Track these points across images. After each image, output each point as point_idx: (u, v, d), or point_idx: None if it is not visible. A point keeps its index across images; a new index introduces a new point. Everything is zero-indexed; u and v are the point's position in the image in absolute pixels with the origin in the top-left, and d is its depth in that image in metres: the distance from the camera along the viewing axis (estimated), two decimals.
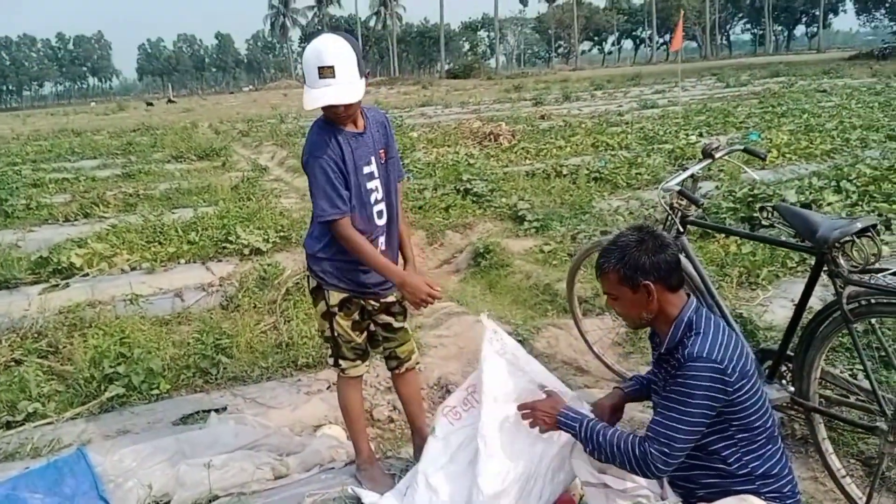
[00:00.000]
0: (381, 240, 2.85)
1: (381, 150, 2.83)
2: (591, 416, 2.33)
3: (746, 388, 2.13)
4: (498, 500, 2.43)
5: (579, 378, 4.11)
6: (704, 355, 2.08)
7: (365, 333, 2.99)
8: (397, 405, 3.84)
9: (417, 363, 3.15)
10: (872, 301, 2.69)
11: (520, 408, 2.42)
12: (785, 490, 2.23)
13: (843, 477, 2.92)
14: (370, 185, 2.77)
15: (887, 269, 2.72)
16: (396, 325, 2.99)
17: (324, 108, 2.64)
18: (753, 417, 2.17)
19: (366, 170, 2.75)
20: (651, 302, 2.22)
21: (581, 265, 4.29)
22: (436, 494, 2.59)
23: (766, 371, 3.10)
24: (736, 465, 2.19)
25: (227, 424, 3.51)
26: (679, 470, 2.19)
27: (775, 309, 4.51)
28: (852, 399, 3.09)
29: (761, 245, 5.56)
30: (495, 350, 2.60)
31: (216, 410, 3.70)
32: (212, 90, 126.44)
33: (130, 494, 3.00)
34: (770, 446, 2.22)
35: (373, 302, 2.90)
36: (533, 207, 7.67)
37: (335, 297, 2.84)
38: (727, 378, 2.07)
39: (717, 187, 7.63)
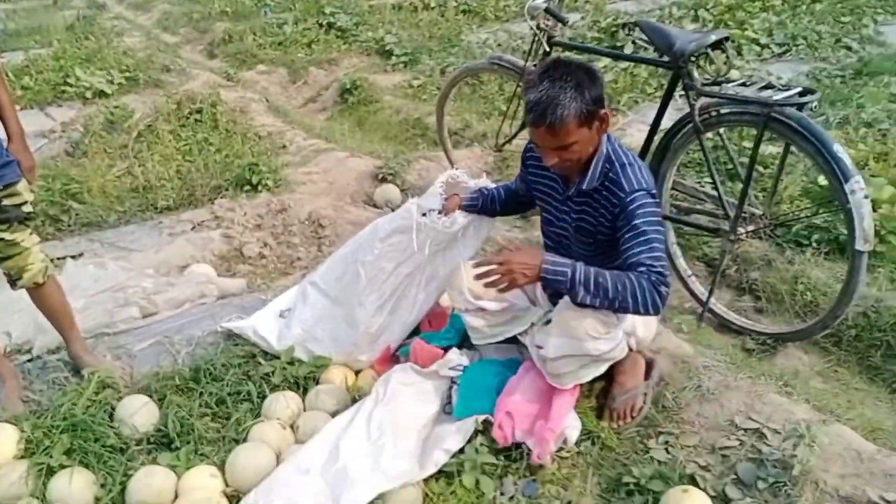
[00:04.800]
0: None
1: None
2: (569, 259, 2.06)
3: None
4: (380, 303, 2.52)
5: None
6: (644, 185, 2.08)
7: None
8: (269, 242, 3.78)
9: (45, 275, 2.47)
10: (721, 111, 2.82)
11: (490, 261, 2.07)
12: None
13: (689, 277, 3.19)
14: None
15: (736, 80, 2.85)
16: None
17: None
18: None
19: None
20: (603, 129, 2.08)
21: (449, 96, 4.23)
22: (327, 298, 2.63)
23: None
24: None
25: (86, 269, 3.32)
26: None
27: (633, 133, 4.69)
28: (700, 207, 3.31)
29: (622, 72, 5.69)
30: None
31: (72, 257, 3.48)
32: None
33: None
34: None
35: None
36: (401, 41, 7.39)
37: None
38: (657, 199, 2.12)
39: (582, 18, 7.62)
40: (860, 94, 4.84)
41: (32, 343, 2.81)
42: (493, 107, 5.43)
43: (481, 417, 2.21)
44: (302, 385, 2.55)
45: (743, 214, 2.82)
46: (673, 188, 3.20)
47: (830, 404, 2.35)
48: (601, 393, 2.41)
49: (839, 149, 2.52)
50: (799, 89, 2.64)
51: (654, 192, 2.10)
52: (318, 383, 2.55)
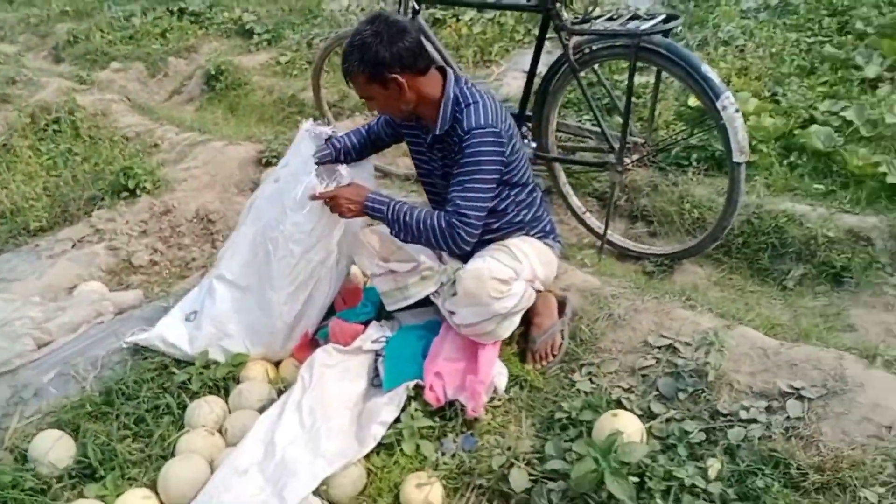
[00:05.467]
0: None
1: None
2: (397, 198, 2.26)
3: (516, 147, 2.25)
4: (292, 289, 2.45)
5: None
6: (483, 123, 2.11)
7: None
8: (158, 247, 3.61)
9: None
10: (594, 48, 2.89)
11: (321, 196, 2.26)
12: (547, 228, 2.50)
13: (584, 213, 3.30)
14: None
15: (603, 16, 2.92)
16: None
17: None
18: (521, 172, 2.33)
19: None
20: (405, 93, 2.14)
21: (323, 68, 4.13)
22: (236, 289, 2.55)
23: None
24: (511, 216, 2.36)
25: None
26: None
27: (510, 81, 4.75)
28: (586, 144, 3.41)
29: (491, 23, 5.71)
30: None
31: None
32: None
33: None
34: (534, 194, 2.44)
35: None
36: (260, 19, 7.14)
37: None
38: (503, 140, 2.14)
39: None
40: (714, 14, 5.07)
41: None
42: None
43: (412, 383, 2.22)
44: (222, 387, 2.47)
45: (627, 145, 2.92)
46: (558, 130, 3.27)
47: (731, 310, 2.49)
48: (521, 337, 2.47)
49: (707, 69, 2.63)
50: (663, 16, 2.73)
51: (495, 129, 2.12)
52: (238, 382, 2.48)
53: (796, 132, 3.44)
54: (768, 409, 1.97)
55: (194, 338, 2.58)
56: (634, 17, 2.80)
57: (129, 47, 6.92)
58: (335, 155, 2.51)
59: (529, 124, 3.26)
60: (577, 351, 2.38)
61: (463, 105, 2.17)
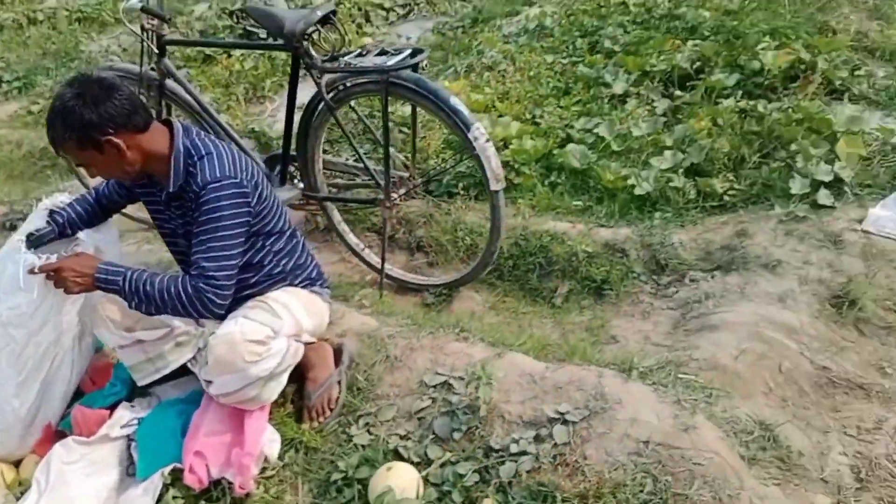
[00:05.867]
0: None
1: None
2: (134, 267, 2.02)
3: (264, 196, 2.10)
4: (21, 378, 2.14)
5: None
6: (219, 175, 1.95)
7: None
8: None
9: None
10: (347, 85, 2.84)
11: (42, 270, 2.00)
12: (313, 275, 2.38)
13: (363, 250, 3.23)
14: None
15: (353, 52, 2.87)
16: None
17: None
18: (275, 219, 2.18)
19: None
20: (124, 154, 1.94)
21: None
22: None
23: (279, 175, 3.14)
24: (270, 268, 2.22)
25: None
26: None
27: (283, 117, 4.59)
28: (356, 181, 3.35)
29: (263, 57, 5.54)
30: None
31: None
32: None
33: None
34: (293, 240, 2.30)
35: None
36: (9, 65, 6.46)
37: None
38: (246, 189, 1.99)
39: (209, 6, 7.27)
40: (478, 40, 5.26)
41: None
42: None
43: (168, 469, 2.00)
44: None
45: (392, 179, 2.89)
46: (325, 168, 3.18)
47: (504, 336, 2.52)
48: (296, 394, 2.34)
49: (455, 101, 2.66)
50: (409, 51, 2.73)
51: (234, 179, 1.99)
52: None
53: (555, 152, 3.61)
54: (537, 439, 1.98)
55: None
56: (382, 53, 2.78)
57: None
58: (59, 230, 2.23)
59: (295, 164, 3.14)
60: (353, 402, 2.28)
61: (196, 158, 2.00)
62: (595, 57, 4.63)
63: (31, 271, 2.00)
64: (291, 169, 3.16)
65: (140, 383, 2.22)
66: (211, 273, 1.93)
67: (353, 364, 2.40)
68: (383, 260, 3.04)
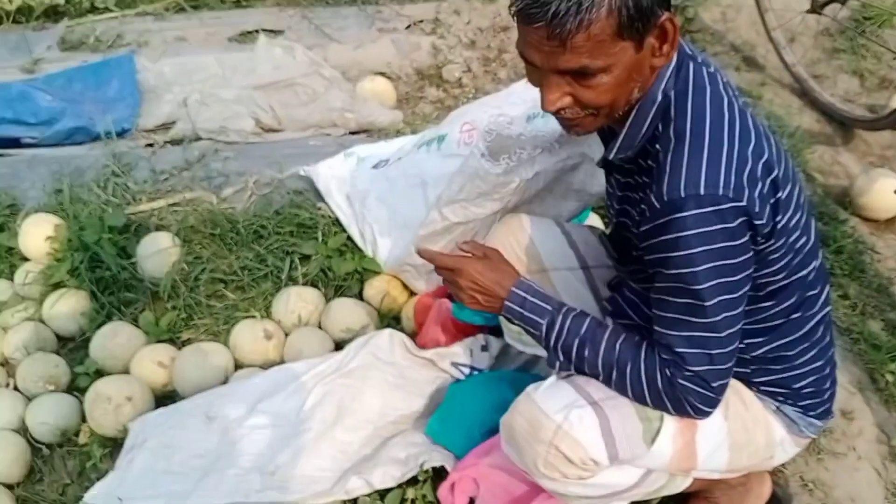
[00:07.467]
0: None
1: None
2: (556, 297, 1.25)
3: (788, 217, 1.10)
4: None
5: None
6: (703, 191, 0.99)
7: None
8: (472, 66, 3.02)
9: None
10: None
11: (440, 262, 1.26)
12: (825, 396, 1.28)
13: None
14: None
15: None
16: None
17: None
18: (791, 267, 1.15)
19: None
20: (658, 57, 1.03)
21: None
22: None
23: None
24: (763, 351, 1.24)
25: (273, 52, 3.00)
26: None
27: None
28: None
29: None
30: None
31: (271, 31, 3.17)
32: None
33: (163, 108, 2.78)
34: (811, 312, 1.21)
35: None
36: None
37: None
38: (754, 220, 1.03)
39: None
40: None
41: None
42: None
43: (436, 463, 1.45)
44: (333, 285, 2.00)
45: None
46: None
47: None
48: None
49: None
50: None
51: (738, 203, 1.00)
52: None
53: None
54: None
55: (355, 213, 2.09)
56: None
57: None
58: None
59: None
60: None
61: (672, 135, 1.04)
62: None
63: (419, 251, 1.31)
64: None
65: (507, 340, 1.58)
66: (685, 366, 1.08)
67: None
68: None
